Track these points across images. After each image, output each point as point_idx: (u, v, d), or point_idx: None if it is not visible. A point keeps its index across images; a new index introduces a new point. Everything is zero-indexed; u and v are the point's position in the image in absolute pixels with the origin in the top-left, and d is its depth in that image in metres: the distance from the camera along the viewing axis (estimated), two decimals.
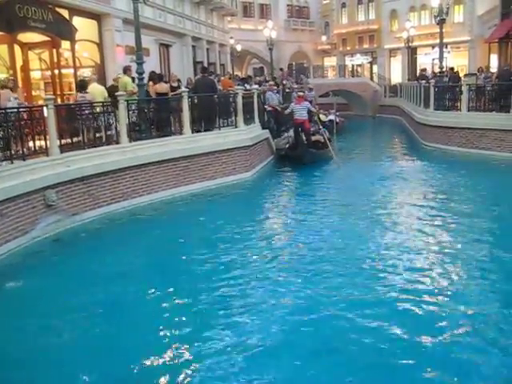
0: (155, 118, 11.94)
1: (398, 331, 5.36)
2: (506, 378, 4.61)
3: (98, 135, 10.58)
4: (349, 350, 5.06)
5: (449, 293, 6.25)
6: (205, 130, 13.01)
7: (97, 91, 11.31)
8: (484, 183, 12.28)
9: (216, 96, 13.41)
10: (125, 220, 10.00)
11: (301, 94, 16.81)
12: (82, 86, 11.34)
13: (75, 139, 10.08)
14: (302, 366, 4.88)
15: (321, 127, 17.49)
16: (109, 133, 10.90)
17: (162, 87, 12.83)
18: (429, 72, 20.13)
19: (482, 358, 4.84)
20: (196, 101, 12.79)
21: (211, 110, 13.13)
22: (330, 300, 6.16)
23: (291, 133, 16.46)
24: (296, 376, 4.74)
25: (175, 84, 13.64)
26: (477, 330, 5.35)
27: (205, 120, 13.04)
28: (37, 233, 8.52)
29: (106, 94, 11.48)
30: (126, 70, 12.60)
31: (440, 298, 6.11)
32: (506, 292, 6.30)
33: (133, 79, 12.42)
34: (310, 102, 17.63)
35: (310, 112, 15.95)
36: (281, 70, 31.09)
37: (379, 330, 5.41)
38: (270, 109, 16.75)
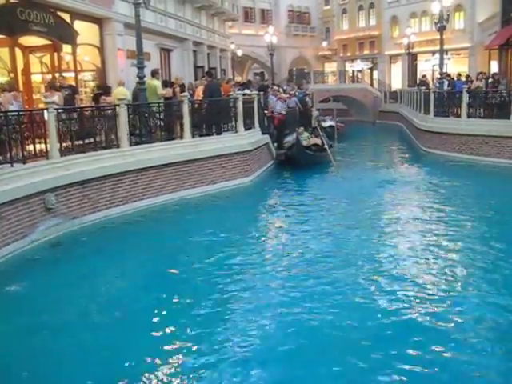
0: (155, 122, 11.98)
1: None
2: None
3: (98, 139, 10.59)
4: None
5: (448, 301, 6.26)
6: (216, 134, 13.11)
7: (118, 94, 11.63)
8: (483, 189, 12.30)
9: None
10: (125, 224, 9.98)
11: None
12: (105, 90, 11.97)
13: (76, 143, 10.08)
14: None
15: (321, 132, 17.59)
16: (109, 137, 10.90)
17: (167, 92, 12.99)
18: (446, 75, 19.94)
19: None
20: (207, 105, 12.98)
21: (222, 112, 13.27)
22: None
23: (292, 137, 16.50)
24: None
25: (178, 85, 13.65)
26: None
27: (216, 123, 13.14)
28: (36, 236, 8.50)
29: (130, 98, 11.88)
30: (155, 74, 12.64)
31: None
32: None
33: (163, 83, 12.62)
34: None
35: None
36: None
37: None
38: (269, 114, 16.79)
